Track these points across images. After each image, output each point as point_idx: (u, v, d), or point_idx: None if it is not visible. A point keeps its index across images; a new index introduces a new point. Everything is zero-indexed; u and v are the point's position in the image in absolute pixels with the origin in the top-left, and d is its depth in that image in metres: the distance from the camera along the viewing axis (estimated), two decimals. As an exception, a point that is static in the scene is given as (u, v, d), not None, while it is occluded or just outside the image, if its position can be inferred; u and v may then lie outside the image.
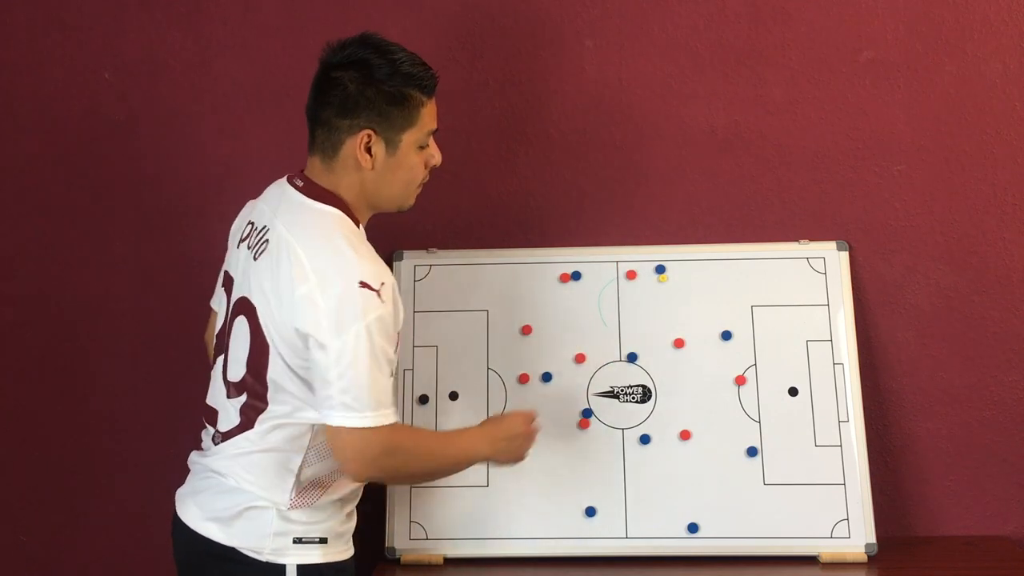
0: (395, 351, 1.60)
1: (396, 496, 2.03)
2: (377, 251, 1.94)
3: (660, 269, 2.10)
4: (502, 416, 1.82)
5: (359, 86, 1.63)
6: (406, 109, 1.65)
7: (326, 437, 1.60)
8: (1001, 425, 2.13)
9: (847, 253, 2.11)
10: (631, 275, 2.11)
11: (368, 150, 1.64)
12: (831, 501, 2.00)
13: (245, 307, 1.64)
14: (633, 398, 2.06)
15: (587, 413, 2.06)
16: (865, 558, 1.98)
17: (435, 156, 1.73)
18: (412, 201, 1.75)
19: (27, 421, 2.22)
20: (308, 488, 1.63)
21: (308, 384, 1.59)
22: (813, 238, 2.14)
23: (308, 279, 1.56)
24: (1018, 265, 2.14)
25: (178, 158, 2.20)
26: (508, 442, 1.77)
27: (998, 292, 2.14)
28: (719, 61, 2.16)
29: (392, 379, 1.60)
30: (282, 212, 1.66)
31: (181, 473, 1.75)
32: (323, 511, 1.65)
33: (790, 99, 2.16)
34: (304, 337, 1.55)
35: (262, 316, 1.60)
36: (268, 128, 2.20)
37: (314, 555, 1.63)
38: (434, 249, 2.14)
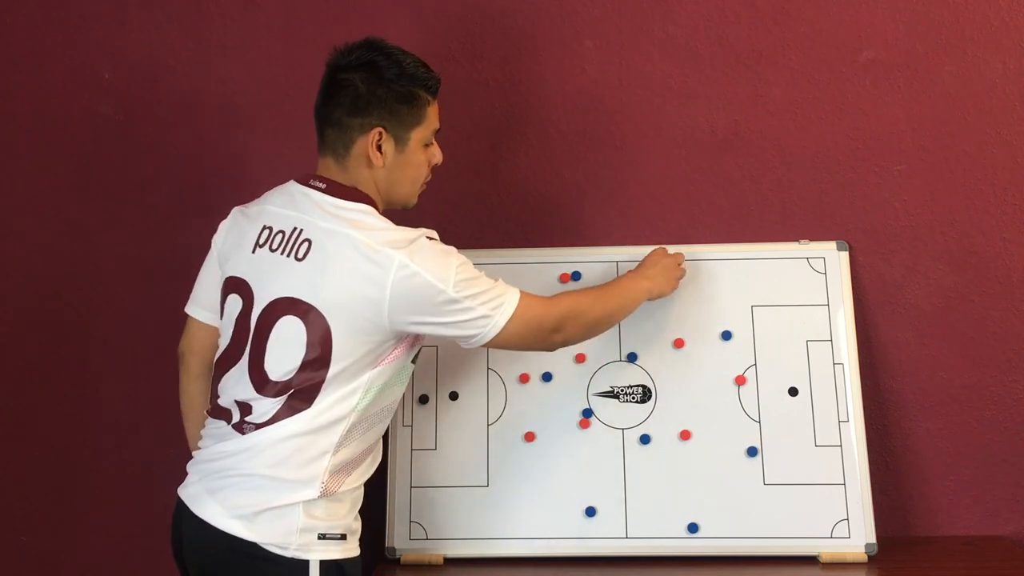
0: None
1: (396, 496, 2.03)
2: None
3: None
4: (656, 256, 1.99)
5: (369, 86, 1.69)
6: (414, 108, 1.72)
7: (505, 343, 1.71)
8: (1001, 425, 2.13)
9: (847, 253, 2.11)
10: (631, 275, 2.11)
11: (379, 148, 1.70)
12: (831, 501, 2.00)
13: (293, 307, 1.64)
14: (633, 398, 2.07)
15: (587, 413, 2.06)
16: (865, 558, 1.98)
17: (437, 155, 1.79)
18: (415, 200, 1.80)
19: (27, 421, 2.22)
20: (337, 472, 1.66)
21: (383, 355, 1.66)
22: (813, 238, 2.14)
23: (392, 258, 1.61)
24: (1018, 265, 2.14)
25: (178, 158, 2.21)
26: (659, 270, 1.96)
27: (998, 292, 2.14)
28: (719, 61, 2.17)
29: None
30: (313, 213, 1.68)
31: (182, 473, 1.74)
32: (343, 505, 1.68)
33: (790, 99, 2.16)
34: (412, 305, 1.62)
35: (327, 312, 1.62)
36: (268, 128, 2.20)
37: (335, 551, 1.66)
38: (434, 249, 2.14)
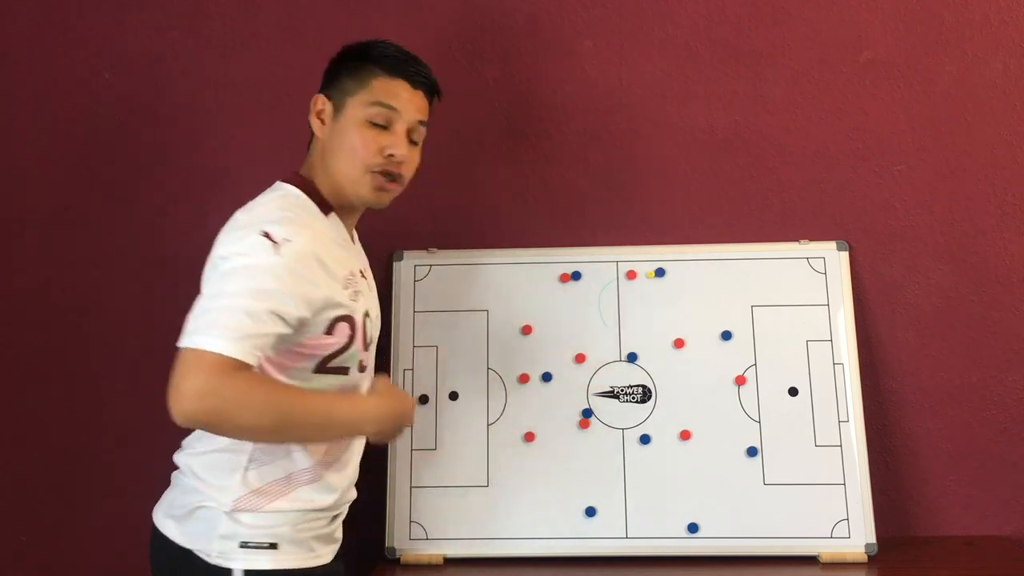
0: (289, 313, 1.49)
1: (396, 496, 2.03)
2: (377, 251, 1.96)
3: (660, 272, 2.11)
4: (397, 398, 1.60)
5: (334, 60, 1.71)
6: (356, 78, 1.67)
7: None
8: (1001, 425, 2.13)
9: (847, 253, 2.11)
10: (631, 275, 2.11)
11: (321, 120, 1.68)
12: (831, 501, 2.00)
13: None
14: (633, 398, 2.07)
15: (587, 413, 2.06)
16: (865, 558, 1.98)
17: (395, 145, 1.66)
18: (366, 191, 1.66)
19: (27, 421, 2.22)
20: (257, 492, 1.58)
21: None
22: (813, 238, 2.14)
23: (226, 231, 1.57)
24: (1018, 265, 2.14)
25: (178, 158, 2.21)
26: (395, 425, 1.61)
27: (998, 292, 2.14)
28: (719, 61, 2.17)
29: (267, 327, 1.46)
30: None
31: (181, 473, 1.75)
32: (275, 516, 1.59)
33: (790, 99, 2.16)
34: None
35: None
36: (268, 128, 2.20)
37: (263, 561, 1.56)
38: (434, 249, 2.14)
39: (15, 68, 2.22)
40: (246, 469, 1.58)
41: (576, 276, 2.12)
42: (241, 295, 1.45)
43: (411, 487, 2.04)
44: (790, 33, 2.16)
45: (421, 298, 2.11)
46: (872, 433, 2.09)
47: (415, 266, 2.13)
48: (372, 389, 1.64)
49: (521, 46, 2.18)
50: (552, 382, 2.08)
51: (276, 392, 1.50)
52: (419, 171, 2.09)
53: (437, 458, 2.05)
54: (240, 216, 1.59)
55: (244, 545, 1.56)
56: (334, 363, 1.61)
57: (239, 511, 1.57)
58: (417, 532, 2.02)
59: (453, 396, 2.07)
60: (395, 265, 2.13)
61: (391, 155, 1.66)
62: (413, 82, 1.69)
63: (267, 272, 1.48)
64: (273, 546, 1.57)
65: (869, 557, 1.98)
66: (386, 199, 1.70)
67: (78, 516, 2.21)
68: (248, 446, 1.59)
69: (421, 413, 2.07)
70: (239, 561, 1.56)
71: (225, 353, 1.41)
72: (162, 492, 1.78)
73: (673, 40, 2.17)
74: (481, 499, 2.03)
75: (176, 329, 1.95)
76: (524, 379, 2.08)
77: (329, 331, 1.58)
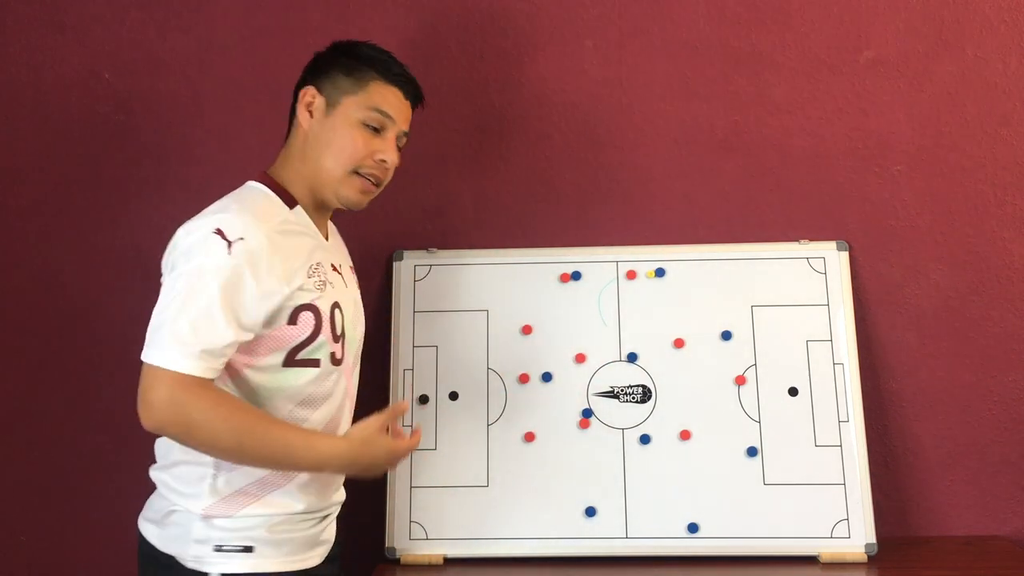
0: (248, 314, 1.50)
1: (396, 496, 2.03)
2: (377, 251, 1.96)
3: (660, 272, 2.11)
4: (369, 447, 1.56)
5: (326, 55, 1.70)
6: (353, 77, 1.66)
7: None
8: (1001, 425, 2.13)
9: (847, 253, 2.11)
10: (631, 275, 2.11)
11: (310, 111, 1.67)
12: (831, 501, 2.00)
13: None
14: (633, 398, 2.07)
15: (587, 413, 2.06)
16: (865, 558, 1.98)
17: (384, 150, 1.66)
18: (348, 191, 1.66)
19: (27, 421, 2.22)
20: (227, 499, 1.56)
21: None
22: (813, 238, 2.14)
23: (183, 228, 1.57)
24: (1018, 265, 2.14)
25: (178, 158, 2.21)
26: (366, 470, 1.59)
27: (998, 292, 2.14)
28: (719, 61, 2.17)
29: (227, 336, 1.48)
30: None
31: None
32: (248, 519, 1.57)
33: (790, 99, 2.16)
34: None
35: None
36: (269, 128, 2.19)
37: (237, 564, 1.54)
38: (434, 249, 2.14)
39: (15, 68, 2.22)
40: (214, 477, 1.57)
41: (576, 276, 2.12)
42: (197, 302, 1.47)
43: (411, 487, 2.04)
44: (790, 33, 2.16)
45: (421, 298, 2.11)
46: (872, 433, 2.09)
47: (415, 266, 2.13)
48: (348, 433, 1.58)
49: (521, 46, 2.18)
50: (552, 382, 2.08)
51: (238, 417, 1.48)
52: (419, 171, 2.09)
53: (437, 458, 2.05)
54: (199, 216, 1.57)
55: (219, 549, 1.55)
56: (302, 355, 1.58)
57: (211, 517, 1.56)
58: (417, 532, 2.02)
59: (453, 396, 2.07)
60: (395, 265, 2.13)
61: (382, 160, 1.66)
62: (405, 92, 1.70)
63: (222, 276, 1.48)
64: (248, 549, 1.56)
65: (869, 557, 1.98)
66: (365, 202, 1.69)
67: (78, 516, 2.21)
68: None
69: (421, 413, 2.07)
70: (214, 565, 1.55)
71: (185, 372, 1.45)
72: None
73: (673, 40, 2.17)
74: (481, 499, 2.03)
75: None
76: (524, 379, 2.08)
77: (292, 320, 1.56)
